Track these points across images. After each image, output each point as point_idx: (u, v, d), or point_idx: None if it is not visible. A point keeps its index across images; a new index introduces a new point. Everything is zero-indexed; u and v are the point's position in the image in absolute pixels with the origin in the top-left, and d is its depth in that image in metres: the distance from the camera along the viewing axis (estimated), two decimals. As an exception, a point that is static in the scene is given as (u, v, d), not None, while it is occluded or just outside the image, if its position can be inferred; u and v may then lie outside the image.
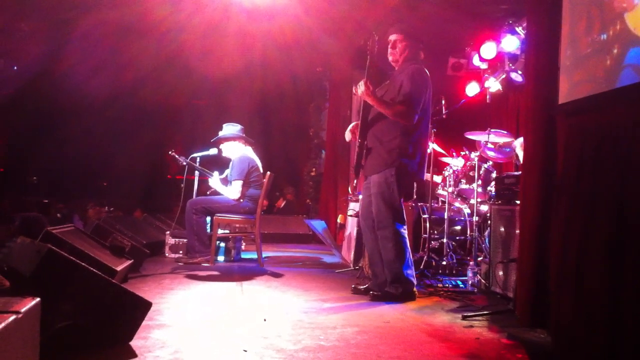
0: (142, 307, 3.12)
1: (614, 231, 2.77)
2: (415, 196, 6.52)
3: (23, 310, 1.98)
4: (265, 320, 3.77)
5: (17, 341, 1.92)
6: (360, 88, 4.64)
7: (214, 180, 6.61)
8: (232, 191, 6.36)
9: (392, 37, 4.90)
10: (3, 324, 1.79)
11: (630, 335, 2.60)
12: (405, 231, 4.72)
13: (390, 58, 4.93)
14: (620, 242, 2.71)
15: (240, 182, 6.35)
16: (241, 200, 6.38)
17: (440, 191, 6.47)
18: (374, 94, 4.67)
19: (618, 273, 2.70)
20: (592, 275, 2.90)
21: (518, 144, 5.64)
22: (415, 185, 6.36)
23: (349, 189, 6.74)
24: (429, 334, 3.59)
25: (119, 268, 4.48)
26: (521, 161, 4.60)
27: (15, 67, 11.27)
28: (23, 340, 2.01)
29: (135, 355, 2.87)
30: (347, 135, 5.06)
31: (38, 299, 2.17)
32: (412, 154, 4.70)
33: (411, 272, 4.68)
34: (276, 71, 10.64)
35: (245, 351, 3.02)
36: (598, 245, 2.87)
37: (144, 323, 3.18)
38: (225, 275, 5.83)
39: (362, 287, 4.91)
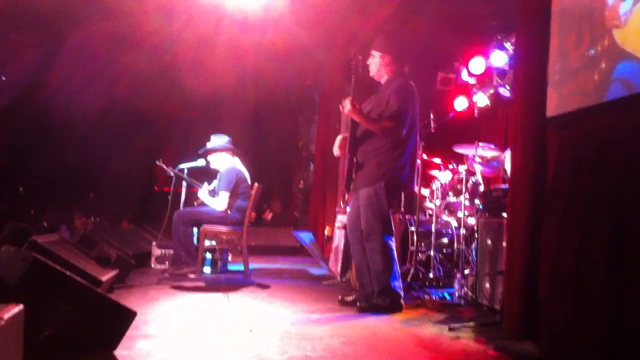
0: (127, 316, 3.10)
1: (614, 233, 2.78)
2: (402, 209, 6.52)
3: (6, 317, 1.96)
4: (251, 330, 3.75)
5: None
6: (347, 107, 4.66)
7: (203, 192, 6.60)
8: (219, 202, 6.34)
9: (374, 54, 4.93)
10: (-15, 330, 1.77)
11: (630, 336, 2.60)
12: (393, 243, 4.73)
13: (374, 76, 4.96)
14: (621, 243, 2.72)
15: (227, 194, 6.33)
16: (228, 211, 6.36)
17: (427, 204, 6.48)
18: (360, 112, 4.69)
19: (618, 275, 2.70)
20: (591, 279, 2.91)
21: (508, 155, 5.66)
22: (402, 197, 6.37)
23: (341, 203, 6.72)
24: (416, 344, 3.59)
25: (104, 278, 4.45)
26: (509, 174, 4.61)
27: (5, 78, 11.26)
28: (6, 348, 1.99)
29: (120, 365, 2.85)
30: (336, 151, 5.07)
31: (21, 306, 2.14)
32: (402, 167, 4.71)
33: (398, 283, 4.68)
34: (267, 83, 10.66)
35: (231, 361, 3.00)
36: (598, 247, 2.88)
37: (129, 333, 3.16)
38: (212, 286, 5.80)
39: (349, 298, 4.90)
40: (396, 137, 4.64)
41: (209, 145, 6.75)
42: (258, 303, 4.89)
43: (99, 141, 12.44)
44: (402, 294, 4.70)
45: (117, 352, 3.02)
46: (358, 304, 4.70)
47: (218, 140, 6.74)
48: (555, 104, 3.55)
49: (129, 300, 4.49)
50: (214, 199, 6.44)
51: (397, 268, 4.71)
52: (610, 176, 2.87)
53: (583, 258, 3.00)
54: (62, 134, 11.75)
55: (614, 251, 2.76)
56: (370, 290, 4.71)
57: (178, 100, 12.24)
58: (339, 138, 5.09)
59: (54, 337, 2.77)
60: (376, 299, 4.62)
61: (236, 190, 6.42)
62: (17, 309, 2.10)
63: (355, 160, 4.80)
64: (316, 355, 3.21)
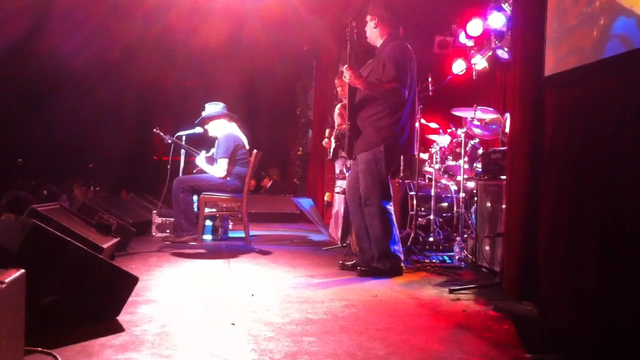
0: (129, 282, 3.11)
1: (603, 201, 2.77)
2: (402, 173, 6.52)
3: (7, 280, 1.96)
4: (253, 295, 3.77)
5: (0, 311, 1.90)
6: (346, 77, 4.64)
7: (200, 159, 6.58)
8: (218, 169, 6.33)
9: (368, 19, 4.91)
10: (-14, 294, 1.77)
11: (621, 305, 2.61)
12: (391, 207, 4.74)
13: (369, 40, 4.95)
14: (610, 213, 2.71)
15: (226, 161, 6.31)
16: (228, 178, 6.35)
17: (427, 168, 6.47)
18: (362, 78, 4.67)
19: (608, 245, 2.70)
20: (582, 248, 2.91)
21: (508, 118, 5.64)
22: (402, 162, 6.37)
23: (344, 169, 6.69)
24: (417, 306, 3.62)
25: (105, 245, 4.44)
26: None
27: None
28: (7, 311, 1.99)
29: (123, 330, 2.86)
30: (337, 119, 5.08)
31: (23, 271, 2.14)
32: (401, 131, 4.71)
33: (398, 247, 4.70)
34: (263, 51, 10.58)
35: (234, 324, 3.02)
36: (588, 217, 2.88)
37: (131, 299, 3.17)
38: (213, 253, 5.83)
39: (349, 263, 4.92)
40: (399, 98, 4.62)
41: (204, 114, 6.71)
42: (259, 269, 4.92)
43: (93, 111, 12.36)
44: (402, 257, 4.73)
45: (120, 318, 3.04)
46: (358, 268, 4.73)
47: (213, 107, 6.70)
48: (553, 63, 3.51)
49: (130, 268, 4.47)
50: (213, 167, 6.42)
51: (397, 232, 4.73)
52: (600, 144, 2.85)
53: (574, 231, 2.99)
54: (54, 104, 11.66)
55: (604, 224, 2.75)
56: (371, 254, 4.74)
57: (173, 69, 12.15)
58: (337, 107, 5.09)
59: (56, 303, 2.78)
60: (376, 263, 4.64)
61: (234, 156, 6.40)
62: (18, 273, 2.10)
63: (355, 126, 4.79)
64: (318, 318, 3.23)
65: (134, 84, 12.32)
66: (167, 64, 11.60)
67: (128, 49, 10.20)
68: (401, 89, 4.60)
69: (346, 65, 4.66)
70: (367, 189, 4.69)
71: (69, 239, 2.98)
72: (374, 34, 4.91)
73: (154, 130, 6.99)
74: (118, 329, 2.87)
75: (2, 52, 10.22)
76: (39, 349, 2.43)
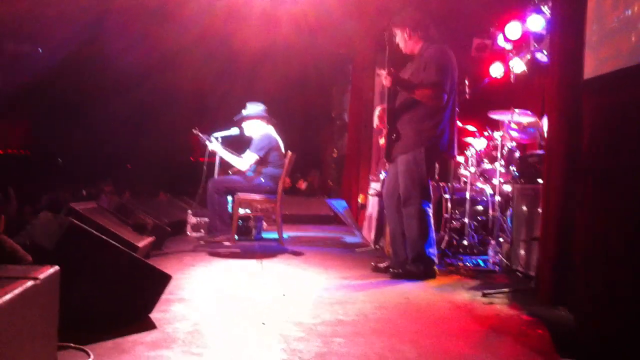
0: (162, 280, 3.14)
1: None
2: (437, 176, 6.46)
3: (42, 277, 2.00)
4: (284, 295, 3.79)
5: (34, 307, 1.94)
6: (386, 82, 4.63)
7: (216, 145, 6.55)
8: (243, 162, 6.32)
9: (398, 33, 4.88)
10: (20, 289, 1.80)
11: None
12: (430, 209, 4.71)
13: (406, 51, 4.93)
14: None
15: (255, 157, 6.31)
16: (261, 178, 6.34)
17: (462, 171, 6.41)
18: (401, 81, 4.66)
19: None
20: (618, 253, 2.85)
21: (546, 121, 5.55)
22: (437, 165, 6.32)
23: (382, 172, 6.62)
24: (449, 310, 3.58)
25: (140, 244, 4.51)
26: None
27: (41, 50, 11.40)
28: (41, 307, 2.03)
29: (155, 327, 2.90)
30: (375, 122, 5.07)
31: (57, 267, 2.18)
32: (441, 134, 4.69)
33: (433, 250, 4.66)
34: (299, 54, 10.62)
35: (264, 324, 3.03)
36: (625, 222, 2.81)
37: (164, 297, 3.21)
38: (246, 253, 5.86)
39: (382, 265, 4.90)
40: (438, 102, 4.60)
41: (244, 112, 6.75)
42: (291, 269, 4.93)
43: (131, 114, 12.56)
44: (436, 260, 4.69)
45: (153, 315, 3.07)
46: (391, 270, 4.70)
47: (253, 107, 6.74)
48: (592, 67, 3.44)
49: (164, 266, 4.51)
50: (237, 158, 6.42)
51: (433, 235, 4.70)
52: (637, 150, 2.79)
53: (610, 237, 2.93)
54: (95, 108, 11.89)
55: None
56: (404, 257, 4.71)
57: (210, 72, 12.26)
58: (378, 109, 5.07)
59: (90, 300, 2.82)
60: (410, 266, 4.61)
61: (267, 157, 6.41)
62: (52, 269, 2.13)
63: (394, 130, 4.77)
64: (349, 320, 3.22)
65: (171, 88, 12.46)
66: (204, 68, 11.71)
67: (166, 54, 10.34)
68: (440, 93, 4.58)
69: (386, 71, 4.63)
70: (406, 190, 4.67)
71: (104, 237, 3.03)
72: (409, 45, 4.87)
73: (193, 130, 7.00)
74: (150, 326, 2.91)
75: (45, 57, 10.47)
76: (72, 344, 2.47)
